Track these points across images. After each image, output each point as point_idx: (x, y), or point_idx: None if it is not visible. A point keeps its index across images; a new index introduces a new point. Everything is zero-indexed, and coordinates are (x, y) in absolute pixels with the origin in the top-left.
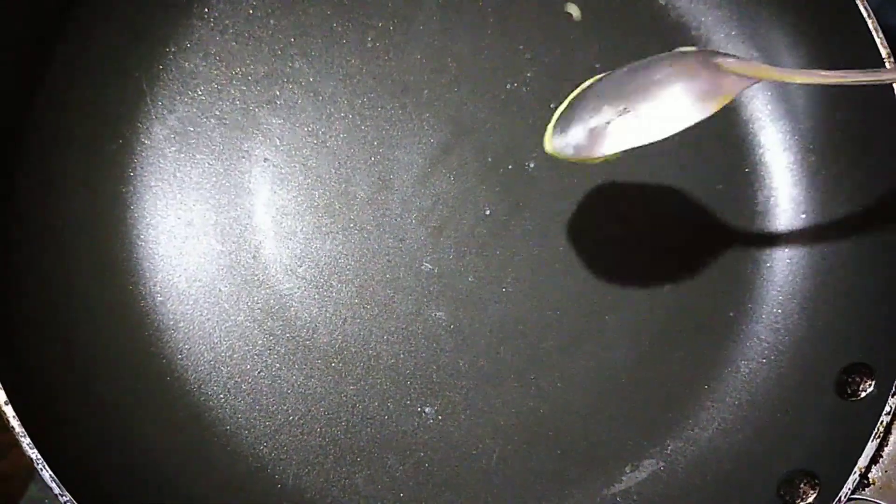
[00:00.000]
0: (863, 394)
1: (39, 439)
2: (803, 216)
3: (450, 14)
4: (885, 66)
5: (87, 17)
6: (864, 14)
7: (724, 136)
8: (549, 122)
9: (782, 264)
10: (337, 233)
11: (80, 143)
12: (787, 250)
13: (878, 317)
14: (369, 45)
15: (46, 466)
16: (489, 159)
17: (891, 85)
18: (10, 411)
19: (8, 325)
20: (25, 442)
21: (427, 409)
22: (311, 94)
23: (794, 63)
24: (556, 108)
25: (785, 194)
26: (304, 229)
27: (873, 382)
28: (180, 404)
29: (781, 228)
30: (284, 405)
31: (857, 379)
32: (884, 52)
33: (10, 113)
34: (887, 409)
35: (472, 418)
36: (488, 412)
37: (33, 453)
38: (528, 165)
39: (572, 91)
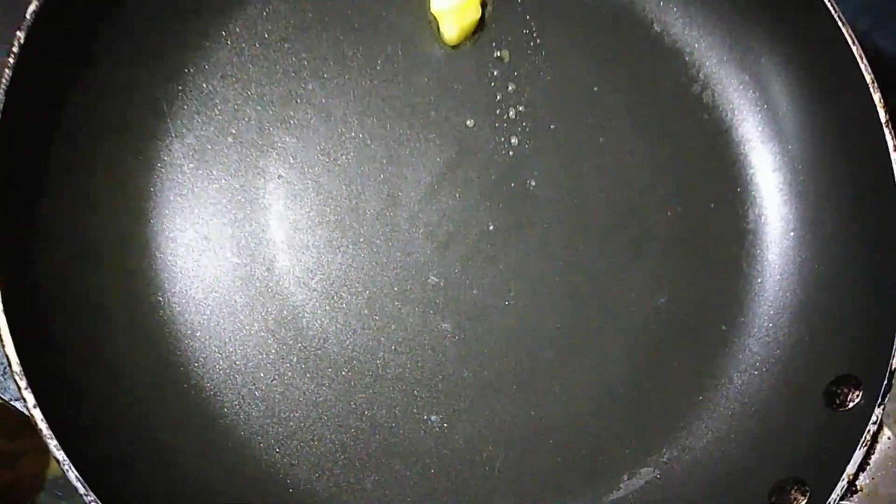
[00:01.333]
0: (851, 404)
1: (66, 441)
2: (792, 234)
3: (456, 49)
4: (870, 91)
5: (110, 41)
6: (850, 41)
7: (716, 157)
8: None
9: (772, 280)
10: (347, 247)
11: (103, 161)
12: (776, 266)
13: (864, 331)
14: (378, 68)
15: (72, 467)
16: (492, 177)
17: (876, 107)
18: (38, 414)
19: (35, 334)
20: (52, 444)
21: (433, 417)
22: (324, 115)
23: (783, 88)
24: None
25: (774, 213)
26: (315, 243)
27: (860, 393)
28: (196, 410)
29: (771, 245)
30: (296, 412)
31: (845, 390)
32: (868, 77)
33: (36, 131)
34: (874, 418)
35: (475, 426)
36: (491, 420)
37: (60, 454)
38: (530, 184)
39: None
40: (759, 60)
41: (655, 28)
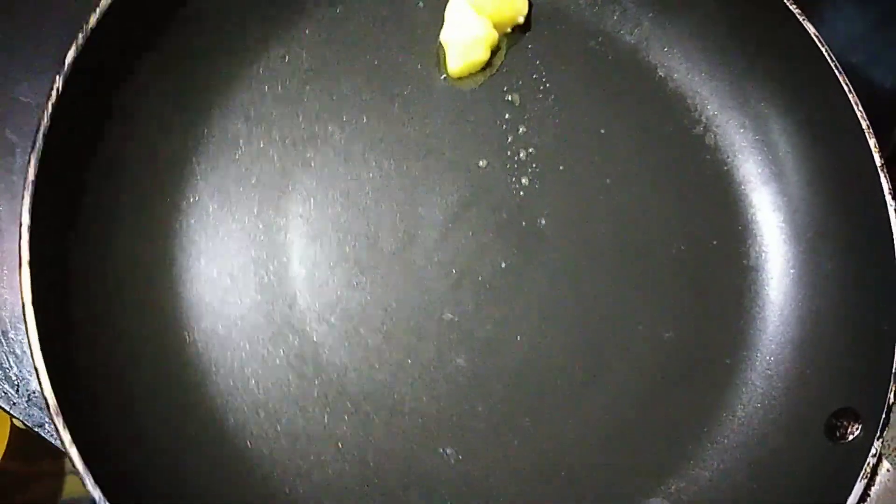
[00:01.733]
0: (851, 437)
1: (100, 479)
2: (792, 271)
3: (468, 91)
4: (865, 136)
5: (139, 87)
6: (846, 89)
7: (718, 196)
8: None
9: (773, 315)
10: (365, 284)
11: (131, 201)
12: (777, 302)
13: (863, 365)
14: (395, 111)
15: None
16: (504, 216)
17: (871, 150)
18: (74, 453)
19: (68, 370)
20: (89, 482)
21: (448, 450)
22: (343, 156)
23: (783, 131)
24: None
25: (775, 251)
26: (335, 281)
27: (860, 426)
28: (221, 444)
29: (772, 282)
30: (317, 446)
31: (845, 423)
32: (864, 123)
33: (69, 175)
34: (873, 451)
35: (490, 458)
36: (505, 452)
37: (97, 493)
38: (540, 222)
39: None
40: (758, 105)
41: (660, 73)
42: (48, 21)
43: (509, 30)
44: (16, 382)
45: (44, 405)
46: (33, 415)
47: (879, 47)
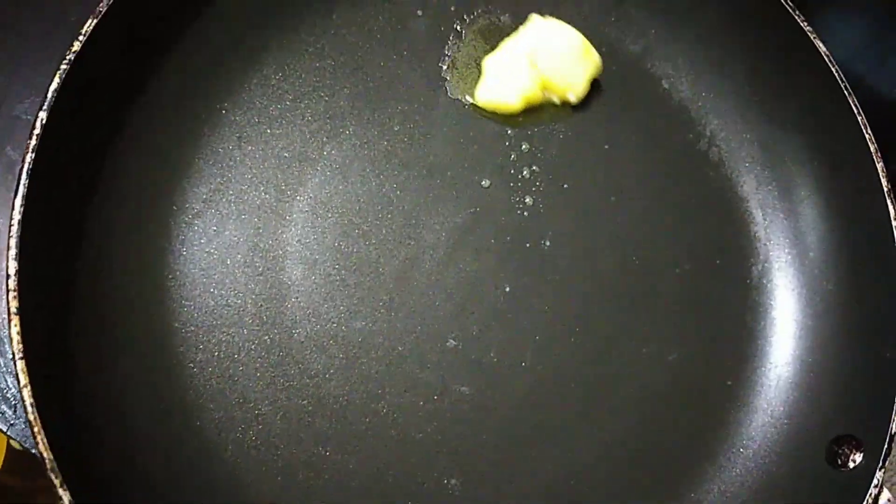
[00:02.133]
0: (852, 465)
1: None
2: (795, 291)
3: (470, 107)
4: (873, 159)
5: (132, 110)
6: (854, 109)
7: (722, 213)
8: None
9: (776, 337)
10: (366, 313)
11: (120, 235)
12: (779, 324)
13: (865, 392)
14: (396, 128)
15: None
16: (508, 238)
17: (878, 173)
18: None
19: (52, 364)
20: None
21: (452, 481)
22: (341, 177)
23: (788, 148)
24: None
25: (778, 270)
26: (334, 310)
27: (861, 454)
28: (218, 476)
29: (775, 302)
30: (320, 481)
31: (847, 450)
32: (872, 147)
33: (67, 201)
34: (875, 481)
35: (495, 488)
36: (510, 481)
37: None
38: (544, 244)
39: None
40: (764, 120)
41: (664, 84)
42: (50, 39)
43: (555, 99)
44: (13, 402)
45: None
46: (30, 436)
47: (884, 57)
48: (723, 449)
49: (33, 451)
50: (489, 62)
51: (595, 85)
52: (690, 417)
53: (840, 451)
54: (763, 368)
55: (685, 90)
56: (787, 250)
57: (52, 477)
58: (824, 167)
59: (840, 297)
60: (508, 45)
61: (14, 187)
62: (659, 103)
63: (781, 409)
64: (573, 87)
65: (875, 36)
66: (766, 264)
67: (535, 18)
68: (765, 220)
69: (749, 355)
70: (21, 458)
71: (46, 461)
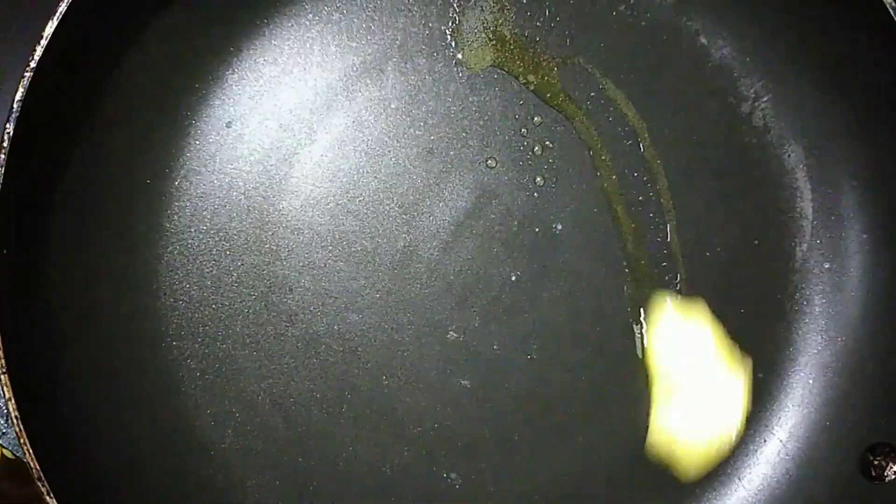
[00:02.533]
0: (888, 477)
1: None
2: (839, 279)
3: (476, 74)
4: None
5: (110, 95)
6: None
7: (764, 189)
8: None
9: (817, 326)
10: (363, 305)
11: (110, 230)
12: (821, 311)
13: None
14: (393, 105)
15: None
16: (515, 223)
17: None
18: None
19: (36, 366)
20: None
21: (452, 475)
22: (339, 157)
23: (842, 118)
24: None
25: (821, 255)
26: (332, 304)
27: None
28: (204, 461)
29: (818, 288)
30: (316, 473)
31: (883, 460)
32: None
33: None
34: None
35: (495, 484)
36: (511, 478)
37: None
38: (556, 228)
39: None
40: (816, 83)
41: (702, 40)
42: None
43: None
44: (4, 412)
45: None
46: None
47: None
48: (745, 448)
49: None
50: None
51: (621, 47)
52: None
53: (876, 462)
54: (798, 362)
55: (726, 47)
56: (835, 230)
57: (39, 485)
58: (880, 143)
59: (890, 287)
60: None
61: None
62: (696, 63)
63: (814, 413)
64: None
65: None
66: (811, 245)
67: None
68: (812, 194)
69: (784, 346)
70: (16, 465)
71: (33, 470)
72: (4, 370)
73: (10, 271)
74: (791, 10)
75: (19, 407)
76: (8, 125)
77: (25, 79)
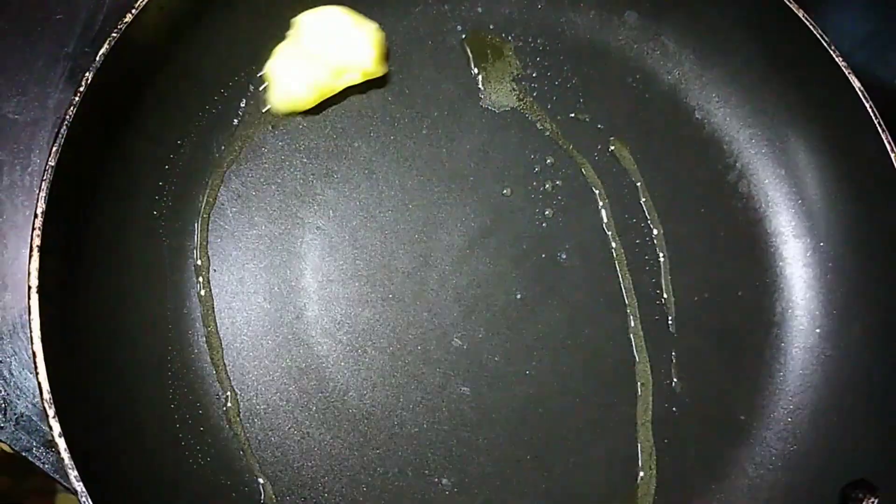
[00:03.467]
0: None
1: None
2: (818, 330)
3: (499, 111)
4: None
5: (164, 90)
6: (889, 147)
7: (748, 246)
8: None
9: (795, 374)
10: (376, 302)
11: (148, 199)
12: (800, 361)
13: (884, 436)
14: (424, 132)
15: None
16: (524, 247)
17: None
18: (61, 441)
19: (66, 365)
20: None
21: (444, 481)
22: (367, 172)
23: (820, 185)
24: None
25: (802, 308)
26: (346, 296)
27: (876, 500)
28: (213, 450)
29: (796, 340)
30: (310, 462)
31: (861, 496)
32: None
33: (85, 168)
34: None
35: (486, 493)
36: (502, 490)
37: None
38: (560, 256)
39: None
40: (797, 155)
41: (697, 115)
42: (36, 39)
43: (356, 79)
44: (3, 406)
45: (41, 413)
46: (20, 439)
47: (883, 45)
48: (729, 484)
49: (24, 453)
50: (270, 69)
51: (628, 111)
52: (698, 447)
53: (854, 497)
54: (779, 405)
55: (717, 122)
56: (813, 288)
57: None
58: (858, 207)
59: (866, 338)
60: (283, 49)
61: None
62: (691, 133)
63: (795, 448)
64: (361, 59)
65: (878, 24)
66: (790, 301)
67: (301, 17)
68: (792, 256)
69: (766, 391)
70: (11, 460)
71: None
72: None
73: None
74: (774, 97)
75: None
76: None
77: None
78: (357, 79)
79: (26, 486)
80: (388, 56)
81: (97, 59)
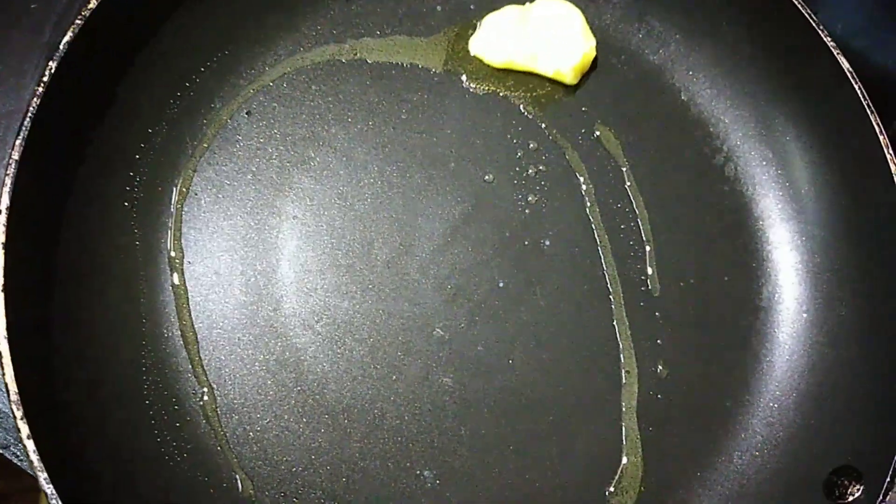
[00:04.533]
0: (850, 497)
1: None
2: (805, 315)
3: (481, 95)
4: (894, 180)
5: (137, 74)
6: (877, 129)
7: (734, 230)
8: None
9: (781, 360)
10: (355, 293)
11: (120, 188)
12: (786, 347)
13: (870, 423)
14: (403, 116)
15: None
16: (507, 234)
17: None
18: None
19: (35, 357)
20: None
21: (426, 473)
22: (344, 159)
23: (806, 168)
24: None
25: (789, 292)
26: (324, 287)
27: (861, 487)
28: (189, 446)
29: (783, 325)
30: (289, 457)
31: (846, 482)
32: (893, 167)
33: (52, 161)
34: None
35: (469, 485)
36: (485, 481)
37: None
38: (544, 243)
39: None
40: (783, 137)
41: (683, 97)
42: (11, 29)
43: (547, 72)
44: None
45: (10, 413)
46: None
47: (882, 31)
48: (715, 472)
49: (1, 451)
50: (489, 18)
51: (613, 93)
52: (684, 436)
53: (839, 483)
54: (765, 391)
55: (704, 103)
56: (800, 272)
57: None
58: (845, 190)
59: (853, 324)
60: (511, 8)
61: None
62: (677, 115)
63: (781, 434)
64: (563, 62)
65: (877, 10)
66: (777, 285)
67: None
68: (779, 240)
69: (752, 377)
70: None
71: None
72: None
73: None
74: (761, 79)
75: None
76: None
77: None
78: (547, 73)
79: (11, 485)
80: (587, 73)
81: (61, 47)
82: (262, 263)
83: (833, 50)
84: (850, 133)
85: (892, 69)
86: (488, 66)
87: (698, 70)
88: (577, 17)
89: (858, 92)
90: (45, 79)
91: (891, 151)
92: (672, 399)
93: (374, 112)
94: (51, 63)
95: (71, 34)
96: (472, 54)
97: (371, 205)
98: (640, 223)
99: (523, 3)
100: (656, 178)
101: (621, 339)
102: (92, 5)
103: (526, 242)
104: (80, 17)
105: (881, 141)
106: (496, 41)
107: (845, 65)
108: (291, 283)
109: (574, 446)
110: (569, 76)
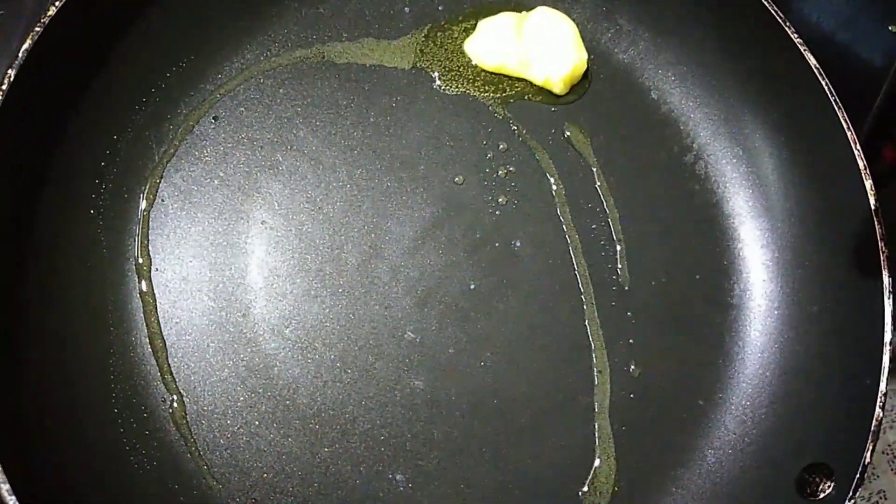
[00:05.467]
0: (822, 494)
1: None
2: (776, 312)
3: (450, 97)
4: (862, 178)
5: (102, 79)
6: (845, 125)
7: (705, 228)
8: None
9: (753, 358)
10: (325, 297)
11: (87, 197)
12: (758, 344)
13: (840, 420)
14: (372, 119)
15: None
16: (477, 236)
17: (867, 192)
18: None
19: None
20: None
21: (398, 477)
22: (313, 162)
23: (776, 166)
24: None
25: (760, 289)
26: (294, 291)
27: (832, 484)
28: (159, 455)
29: (755, 322)
30: (260, 462)
31: (818, 479)
32: (861, 163)
33: (14, 170)
34: None
35: (441, 488)
36: (458, 484)
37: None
38: (515, 245)
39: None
40: (752, 136)
41: (653, 95)
42: None
43: (536, 80)
44: None
45: None
46: None
47: (866, 25)
48: (689, 470)
49: None
50: (484, 22)
51: (583, 92)
52: (657, 434)
53: (811, 480)
54: (737, 389)
55: (673, 102)
56: (770, 270)
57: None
58: (813, 187)
59: (823, 320)
60: (508, 15)
61: None
62: (646, 114)
63: (754, 432)
64: (554, 72)
65: (857, 4)
66: (748, 283)
67: (541, 7)
68: (749, 237)
69: (724, 375)
70: None
71: None
72: None
73: None
74: (729, 77)
75: None
76: None
77: None
78: (537, 80)
79: None
80: (575, 86)
81: (19, 55)
82: (231, 269)
83: (800, 47)
84: (818, 130)
85: (877, 63)
86: (461, 67)
87: (668, 69)
88: (571, 29)
89: (826, 89)
90: (4, 87)
91: (858, 148)
92: (645, 398)
93: (343, 115)
94: (9, 71)
95: (30, 41)
96: (468, 54)
97: (340, 208)
98: (610, 223)
99: (519, 11)
100: (627, 177)
101: (593, 339)
102: (51, 12)
103: (497, 244)
104: (39, 23)
105: (849, 137)
106: (492, 45)
107: (812, 61)
108: (261, 289)
109: (547, 447)
110: (558, 86)
